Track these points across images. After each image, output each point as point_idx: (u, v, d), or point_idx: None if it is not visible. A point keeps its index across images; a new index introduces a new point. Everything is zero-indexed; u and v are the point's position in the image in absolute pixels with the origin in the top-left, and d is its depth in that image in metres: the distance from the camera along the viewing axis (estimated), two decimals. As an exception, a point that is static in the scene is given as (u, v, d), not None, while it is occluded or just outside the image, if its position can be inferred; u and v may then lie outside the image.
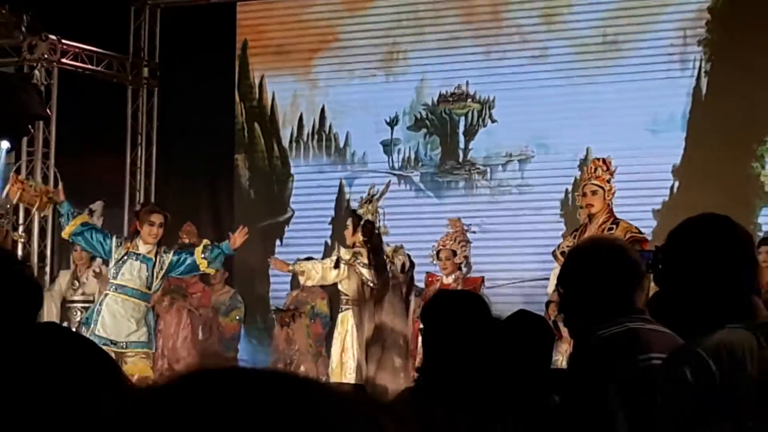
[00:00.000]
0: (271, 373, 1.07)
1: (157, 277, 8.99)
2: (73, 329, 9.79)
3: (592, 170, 8.63)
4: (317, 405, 1.04)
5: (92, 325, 8.89)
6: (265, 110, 12.77)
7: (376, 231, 9.37)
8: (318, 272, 9.22)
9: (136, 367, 8.69)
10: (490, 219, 11.45)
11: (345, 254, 9.21)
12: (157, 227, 8.94)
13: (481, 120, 12.04)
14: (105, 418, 1.05)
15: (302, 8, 12.68)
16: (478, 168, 12.03)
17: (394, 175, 12.20)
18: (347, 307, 9.28)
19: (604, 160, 8.70)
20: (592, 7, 11.70)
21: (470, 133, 12.11)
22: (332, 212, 12.41)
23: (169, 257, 9.02)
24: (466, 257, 9.78)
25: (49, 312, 10.54)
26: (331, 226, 12.30)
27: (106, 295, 8.99)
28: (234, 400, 1.02)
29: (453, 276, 9.60)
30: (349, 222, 9.32)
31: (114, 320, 8.83)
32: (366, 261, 9.13)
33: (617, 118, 11.30)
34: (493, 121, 12.02)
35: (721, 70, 11.24)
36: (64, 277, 10.87)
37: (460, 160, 12.11)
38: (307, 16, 12.66)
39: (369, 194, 9.61)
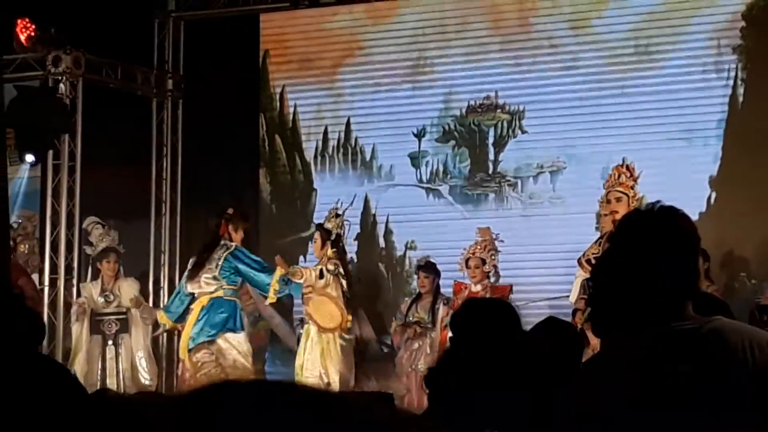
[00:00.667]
0: (297, 387, 1.10)
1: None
2: (110, 342, 10.73)
3: (616, 177, 8.78)
4: (352, 419, 1.07)
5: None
6: (286, 122, 12.77)
7: (341, 244, 9.93)
8: (311, 277, 9.58)
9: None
10: (521, 232, 11.41)
11: (330, 265, 9.59)
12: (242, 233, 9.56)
13: (510, 131, 11.99)
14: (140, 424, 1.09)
15: (326, 18, 12.69)
16: (509, 180, 11.97)
17: (422, 188, 12.24)
18: None
19: (627, 167, 8.85)
20: (622, 14, 11.67)
21: (500, 145, 12.05)
22: (358, 228, 12.30)
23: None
24: (495, 266, 10.05)
25: (84, 324, 10.81)
26: (356, 242, 12.26)
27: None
28: (261, 413, 1.05)
29: (481, 284, 9.89)
30: (317, 236, 9.72)
31: None
32: (343, 272, 9.67)
33: (651, 128, 11.31)
34: (523, 132, 11.95)
35: (757, 77, 11.17)
36: (92, 289, 10.95)
37: (490, 172, 12.06)
38: (331, 26, 12.66)
39: (336, 208, 10.07)
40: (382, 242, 12.37)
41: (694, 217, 10.78)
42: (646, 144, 11.18)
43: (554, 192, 11.72)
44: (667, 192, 10.33)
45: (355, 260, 12.07)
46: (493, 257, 9.98)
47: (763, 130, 10.96)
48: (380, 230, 12.40)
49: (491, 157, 12.06)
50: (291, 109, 12.76)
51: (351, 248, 11.95)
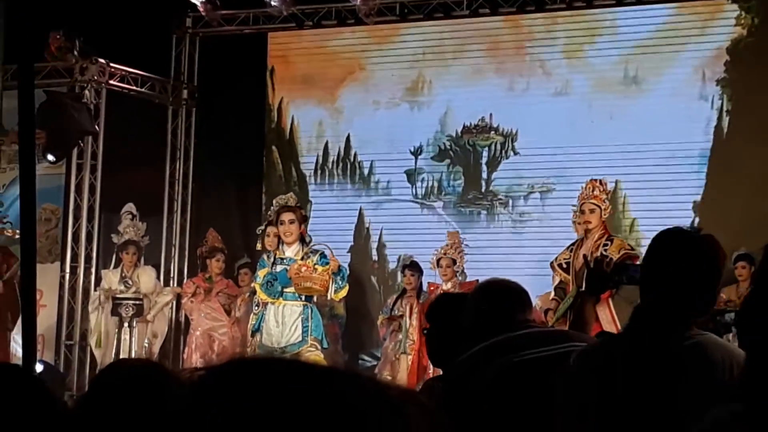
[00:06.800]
0: (305, 363, 1.15)
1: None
2: (125, 324, 11.28)
3: (590, 190, 9.20)
4: (348, 393, 1.10)
5: (260, 333, 9.16)
6: (283, 134, 12.94)
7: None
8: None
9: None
10: (510, 249, 11.51)
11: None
12: (288, 224, 9.07)
13: (503, 152, 12.09)
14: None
15: (329, 39, 12.83)
16: (500, 199, 12.06)
17: (417, 203, 12.32)
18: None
19: (600, 181, 9.27)
20: (613, 43, 11.75)
21: (493, 165, 12.15)
22: (351, 240, 12.43)
23: (316, 257, 9.07)
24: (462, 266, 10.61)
25: (106, 308, 11.55)
26: (349, 255, 12.28)
27: (266, 304, 9.21)
28: (275, 388, 1.09)
29: (451, 282, 10.41)
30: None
31: (276, 327, 9.06)
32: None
33: (637, 153, 11.35)
34: (515, 153, 12.06)
35: (740, 109, 11.31)
36: (113, 276, 11.67)
37: (483, 190, 12.15)
38: (334, 47, 12.81)
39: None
40: (375, 255, 12.38)
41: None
42: (632, 168, 11.26)
43: (543, 212, 11.77)
44: (652, 215, 10.67)
45: (347, 272, 11.66)
46: (462, 258, 10.54)
47: (743, 159, 11.03)
48: (373, 244, 12.34)
49: (484, 176, 12.15)
50: (289, 122, 12.89)
51: (343, 260, 11.61)
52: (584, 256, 7.95)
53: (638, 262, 7.61)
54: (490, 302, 3.81)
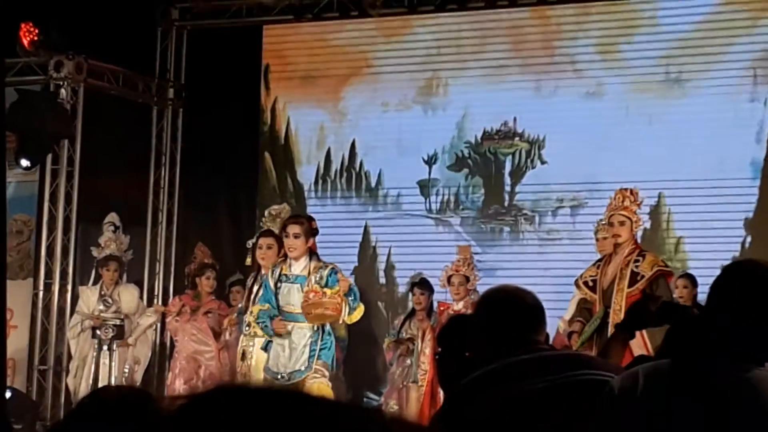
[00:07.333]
0: (290, 392, 1.17)
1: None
2: (104, 347, 11.26)
3: (620, 201, 9.18)
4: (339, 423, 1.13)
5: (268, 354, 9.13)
6: (277, 139, 12.95)
7: None
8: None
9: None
10: (537, 271, 11.33)
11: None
12: (293, 238, 8.92)
13: (529, 161, 12.01)
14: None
15: (332, 33, 12.78)
16: (525, 214, 11.97)
17: (432, 219, 12.27)
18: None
19: (631, 191, 9.24)
20: (652, 39, 11.67)
21: (517, 175, 12.08)
22: (355, 260, 12.34)
23: (326, 271, 9.02)
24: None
25: (87, 334, 11.50)
26: (353, 277, 12.03)
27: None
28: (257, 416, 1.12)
29: (463, 302, 10.35)
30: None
31: (283, 351, 9.03)
32: None
33: (681, 162, 11.29)
34: (542, 163, 11.95)
35: None
36: (91, 294, 11.58)
37: (506, 204, 12.09)
38: (337, 42, 12.75)
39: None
40: (382, 278, 12.36)
41: (727, 263, 10.70)
42: (675, 179, 11.26)
43: (574, 229, 11.65)
44: (699, 232, 10.93)
45: (358, 291, 12.05)
46: (476, 275, 10.57)
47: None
48: (381, 264, 12.37)
49: (507, 188, 12.09)
50: (284, 126, 12.90)
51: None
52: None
53: (672, 280, 8.89)
54: (492, 317, 3.67)
